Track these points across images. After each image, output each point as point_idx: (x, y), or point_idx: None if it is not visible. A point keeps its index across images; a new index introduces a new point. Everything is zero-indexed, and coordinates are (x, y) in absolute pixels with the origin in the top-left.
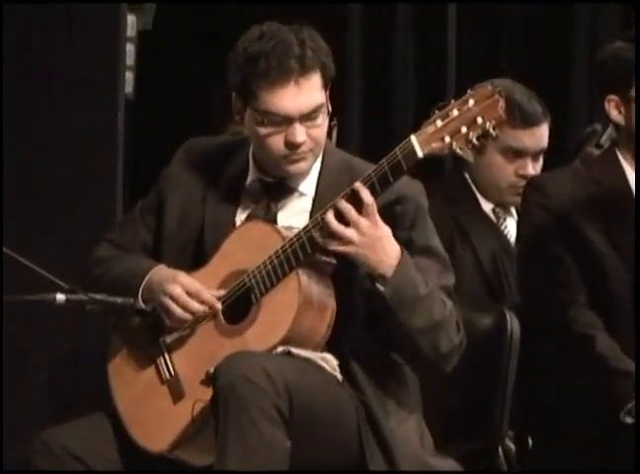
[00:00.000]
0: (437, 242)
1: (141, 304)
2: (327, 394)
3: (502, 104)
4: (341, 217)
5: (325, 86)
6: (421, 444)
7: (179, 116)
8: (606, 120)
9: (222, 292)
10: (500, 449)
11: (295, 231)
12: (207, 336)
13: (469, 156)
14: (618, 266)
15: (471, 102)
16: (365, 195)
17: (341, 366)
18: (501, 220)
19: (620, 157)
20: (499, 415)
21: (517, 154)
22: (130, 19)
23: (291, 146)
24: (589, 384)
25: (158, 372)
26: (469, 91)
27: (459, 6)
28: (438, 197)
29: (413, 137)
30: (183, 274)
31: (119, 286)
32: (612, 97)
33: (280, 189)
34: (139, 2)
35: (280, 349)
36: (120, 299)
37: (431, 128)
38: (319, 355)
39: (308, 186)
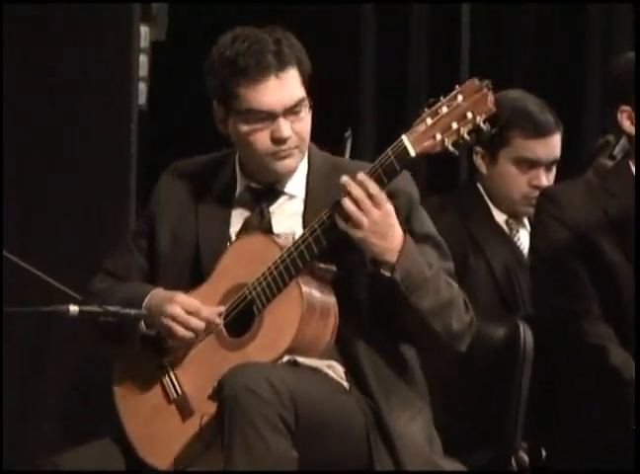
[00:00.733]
0: (433, 229)
1: (144, 329)
2: (333, 403)
3: (490, 97)
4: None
5: (304, 82)
6: (428, 445)
7: (192, 126)
8: (619, 132)
9: (222, 308)
10: (513, 461)
11: (291, 238)
12: (212, 351)
13: (482, 167)
14: (632, 277)
15: (460, 97)
16: (372, 185)
17: (348, 370)
18: (514, 232)
19: (633, 168)
20: (512, 426)
21: (530, 165)
22: (143, 30)
23: (278, 141)
24: (602, 396)
25: (165, 393)
26: (457, 87)
27: (472, 20)
28: (451, 209)
29: (404, 137)
30: (180, 293)
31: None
32: (625, 108)
33: (271, 193)
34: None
35: (285, 358)
36: (133, 311)
37: (421, 127)
38: (325, 362)
39: (297, 187)
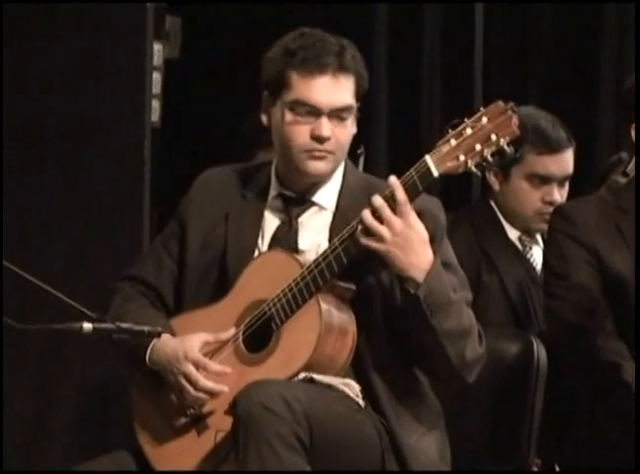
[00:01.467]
0: (455, 260)
1: (149, 364)
2: (348, 421)
3: (515, 120)
4: (375, 216)
5: (357, 95)
6: (440, 459)
7: (205, 144)
8: (632, 148)
9: (232, 331)
10: None
11: (314, 254)
12: (230, 366)
13: (495, 184)
14: None
15: (484, 119)
16: (400, 194)
17: (362, 388)
18: (527, 248)
19: None
20: (526, 442)
21: (542, 180)
22: (157, 47)
23: (317, 139)
24: (616, 412)
25: (181, 406)
26: (482, 108)
27: (485, 33)
28: (464, 226)
29: (428, 157)
30: (193, 349)
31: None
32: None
33: (302, 203)
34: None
35: (301, 375)
36: (147, 328)
37: (445, 148)
38: (342, 380)
39: (329, 200)
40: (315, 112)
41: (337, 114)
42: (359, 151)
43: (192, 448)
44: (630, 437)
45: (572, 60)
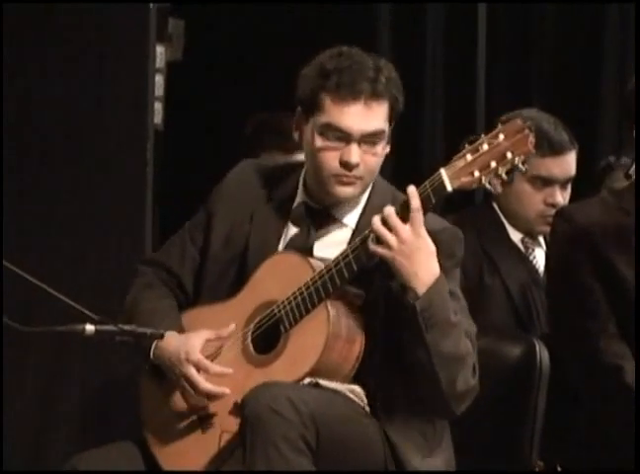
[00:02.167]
0: (459, 291)
1: (153, 359)
2: (354, 424)
3: (531, 139)
4: (385, 223)
5: (390, 118)
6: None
7: (208, 146)
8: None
9: (232, 327)
10: None
11: (326, 263)
12: (236, 365)
13: (497, 187)
14: None
15: (501, 136)
16: (415, 201)
17: (366, 395)
18: (530, 250)
19: None
20: (528, 445)
21: (545, 183)
22: (159, 50)
23: (345, 165)
24: (618, 415)
25: (188, 402)
26: (500, 125)
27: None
28: (467, 228)
29: (443, 171)
30: (195, 351)
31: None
32: None
33: (324, 217)
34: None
35: (307, 380)
36: (149, 331)
37: (461, 163)
38: (347, 386)
39: (351, 218)
40: (345, 137)
41: (367, 139)
42: None
43: (197, 444)
44: (632, 439)
45: (574, 61)
